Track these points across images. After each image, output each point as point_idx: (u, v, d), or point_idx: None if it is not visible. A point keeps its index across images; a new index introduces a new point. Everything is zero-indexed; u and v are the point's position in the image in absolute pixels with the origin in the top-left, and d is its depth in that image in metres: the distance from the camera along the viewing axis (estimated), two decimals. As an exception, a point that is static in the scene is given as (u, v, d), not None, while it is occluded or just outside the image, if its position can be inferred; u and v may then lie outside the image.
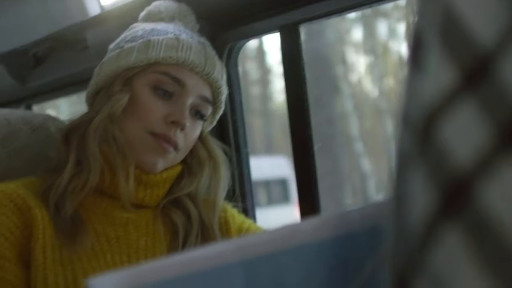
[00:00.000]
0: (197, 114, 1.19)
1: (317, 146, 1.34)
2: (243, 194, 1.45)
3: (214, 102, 1.21)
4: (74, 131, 1.18)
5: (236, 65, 1.48)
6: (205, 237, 1.20)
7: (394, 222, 0.39)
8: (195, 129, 1.19)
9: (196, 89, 1.18)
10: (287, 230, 0.49)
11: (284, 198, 8.83)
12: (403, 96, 0.43)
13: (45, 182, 1.15)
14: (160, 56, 1.17)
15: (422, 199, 0.35)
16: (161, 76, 1.17)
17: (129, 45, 1.20)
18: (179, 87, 1.16)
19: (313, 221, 0.50)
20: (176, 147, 1.16)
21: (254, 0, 1.34)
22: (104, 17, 1.72)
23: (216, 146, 1.26)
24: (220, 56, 1.44)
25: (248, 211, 1.42)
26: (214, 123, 1.27)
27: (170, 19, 1.27)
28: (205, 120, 1.21)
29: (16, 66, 2.10)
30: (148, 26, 1.24)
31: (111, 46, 1.25)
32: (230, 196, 1.34)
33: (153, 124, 1.14)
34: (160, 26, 1.23)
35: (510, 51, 0.33)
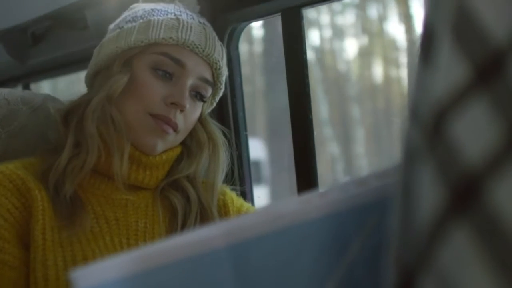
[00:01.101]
0: (197, 95, 1.19)
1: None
2: (242, 177, 1.45)
3: (214, 83, 1.21)
4: (73, 112, 1.17)
5: (237, 48, 1.48)
6: (204, 219, 1.20)
7: (401, 217, 0.39)
8: (195, 111, 1.19)
9: (196, 70, 1.17)
10: (273, 212, 0.49)
11: (258, 179, 9.06)
12: (413, 90, 0.42)
13: (44, 163, 1.15)
14: (160, 36, 1.16)
15: (431, 195, 0.35)
16: (161, 56, 1.16)
17: (129, 25, 1.19)
18: (179, 68, 1.16)
19: (297, 201, 0.50)
20: (175, 129, 1.15)
21: (256, -18, 1.33)
22: (104, -4, 1.70)
23: (215, 128, 1.25)
24: (221, 38, 1.43)
25: (246, 194, 1.42)
26: (214, 104, 1.27)
27: (171, 1, 1.26)
28: (205, 102, 1.21)
29: (14, 44, 2.08)
30: (148, 6, 1.23)
31: (111, 26, 1.25)
32: (229, 179, 1.34)
33: (152, 105, 1.14)
34: (160, 6, 1.22)
35: None
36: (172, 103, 1.14)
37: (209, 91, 1.20)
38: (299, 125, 1.35)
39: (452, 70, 0.35)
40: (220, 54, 1.21)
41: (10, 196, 1.09)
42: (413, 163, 0.38)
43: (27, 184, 1.10)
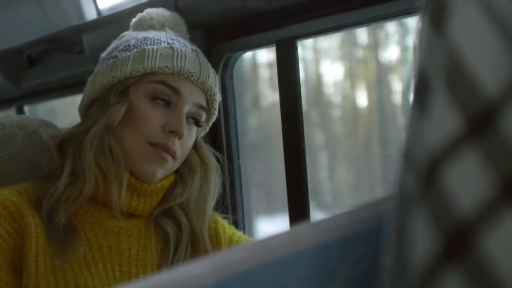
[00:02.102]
0: (193, 121, 1.20)
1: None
2: (234, 205, 1.46)
3: (208, 109, 1.23)
4: (69, 141, 1.18)
5: (231, 76, 1.49)
6: (195, 245, 1.21)
7: (394, 260, 0.40)
8: (191, 137, 1.20)
9: (192, 97, 1.19)
10: (261, 245, 0.50)
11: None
12: (407, 135, 0.44)
13: (38, 190, 1.15)
14: (156, 65, 1.17)
15: (424, 241, 0.36)
16: (157, 85, 1.17)
17: (123, 54, 1.20)
18: (175, 95, 1.18)
19: (285, 234, 0.51)
20: (174, 156, 1.17)
21: (252, 13, 1.35)
22: (101, 21, 1.72)
23: (209, 153, 1.27)
24: (217, 67, 1.45)
25: (238, 222, 1.43)
26: (207, 129, 1.28)
27: (161, 26, 1.28)
28: (200, 126, 1.23)
29: (10, 66, 2.10)
30: (139, 35, 1.24)
31: (103, 55, 1.26)
32: (221, 207, 1.35)
33: (151, 134, 1.15)
34: (152, 34, 1.23)
35: None
36: (170, 131, 1.16)
37: (203, 117, 1.22)
38: (292, 153, 1.37)
39: (445, 120, 0.37)
40: (213, 81, 1.23)
41: (3, 222, 1.09)
42: (407, 208, 0.40)
43: (20, 211, 1.11)
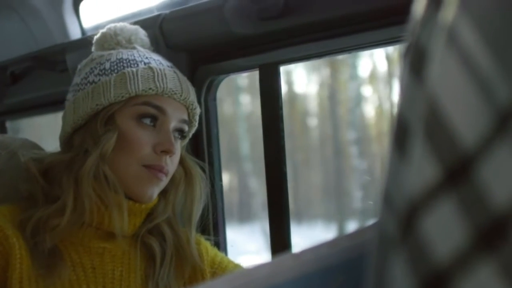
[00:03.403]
0: (178, 135, 1.23)
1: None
2: (216, 226, 1.47)
3: (190, 121, 1.26)
4: (56, 168, 1.18)
5: (214, 98, 1.51)
6: (181, 256, 1.23)
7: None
8: (178, 151, 1.23)
9: (176, 114, 1.21)
10: (243, 278, 0.51)
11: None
12: (386, 178, 0.45)
13: (22, 212, 1.16)
14: (140, 88, 1.19)
15: (401, 285, 0.37)
16: (142, 107, 1.19)
17: (102, 79, 1.20)
18: (160, 114, 1.20)
19: (266, 265, 0.52)
20: (167, 174, 1.19)
21: (236, 38, 1.36)
22: (85, 40, 1.73)
23: (192, 163, 1.29)
24: (200, 89, 1.46)
25: (220, 244, 1.44)
26: (187, 139, 1.29)
27: (127, 42, 1.28)
28: (184, 137, 1.26)
29: (-8, 82, 2.09)
30: (112, 56, 1.24)
31: (77, 80, 1.25)
32: (203, 230, 1.36)
33: (145, 157, 1.17)
34: (125, 55, 1.24)
35: (490, 156, 0.35)
36: (162, 151, 1.17)
37: (186, 129, 1.25)
38: (273, 177, 1.38)
39: (423, 168, 0.38)
40: (193, 95, 1.26)
41: None
42: (386, 250, 0.41)
43: (5, 232, 1.11)
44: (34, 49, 1.93)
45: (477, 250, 0.34)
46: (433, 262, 0.36)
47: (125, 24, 1.31)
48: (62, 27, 1.88)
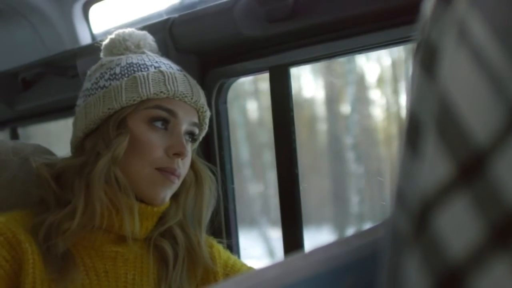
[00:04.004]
0: (189, 137, 1.23)
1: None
2: (228, 231, 1.47)
3: (200, 124, 1.26)
4: (68, 172, 1.19)
5: (225, 102, 1.51)
6: (193, 258, 1.23)
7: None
8: (189, 153, 1.23)
9: (187, 117, 1.22)
10: (253, 279, 0.51)
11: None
12: (399, 175, 0.45)
13: (34, 217, 1.16)
14: (151, 92, 1.19)
15: (416, 283, 0.37)
16: (154, 110, 1.19)
17: (113, 83, 1.21)
18: (171, 117, 1.20)
19: (277, 266, 0.52)
20: (179, 177, 1.20)
21: (246, 40, 1.36)
22: (95, 46, 1.73)
23: (202, 165, 1.29)
24: (210, 92, 1.46)
25: (233, 247, 1.44)
26: (197, 142, 1.29)
27: (136, 47, 1.29)
28: (195, 140, 1.26)
29: (4, 89, 2.11)
30: (121, 61, 1.24)
31: (87, 85, 1.26)
32: (216, 233, 1.36)
33: (158, 160, 1.18)
34: (135, 59, 1.24)
35: (504, 151, 0.35)
36: (174, 154, 1.18)
37: (196, 132, 1.25)
38: (285, 179, 1.38)
39: (436, 165, 0.38)
40: (203, 98, 1.26)
41: (0, 248, 1.10)
42: (399, 247, 0.41)
43: (17, 237, 1.11)
44: (45, 55, 1.94)
45: (492, 246, 0.34)
46: (448, 259, 0.35)
47: (133, 30, 1.32)
48: (72, 33, 1.89)
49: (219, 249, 1.30)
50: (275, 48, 1.36)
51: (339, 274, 0.53)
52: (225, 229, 1.45)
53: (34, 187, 1.22)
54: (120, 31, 1.31)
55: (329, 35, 1.25)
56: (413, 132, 0.43)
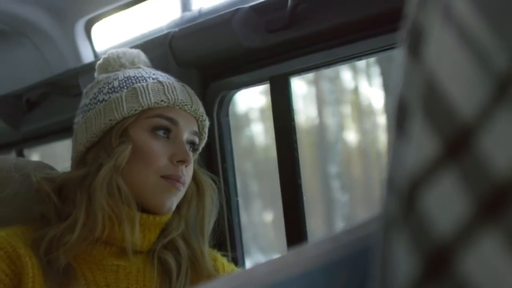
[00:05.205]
0: (191, 147, 1.23)
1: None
2: (233, 243, 1.45)
3: (200, 134, 1.26)
4: (70, 185, 1.18)
5: (227, 114, 1.50)
6: (196, 269, 1.23)
7: (378, 283, 0.40)
8: (192, 161, 1.23)
9: (187, 126, 1.23)
10: (245, 276, 0.50)
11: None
12: (388, 159, 0.44)
13: (36, 231, 1.16)
14: (152, 101, 1.20)
15: (405, 264, 0.36)
16: (155, 119, 1.20)
17: (113, 96, 1.21)
18: (173, 125, 1.21)
19: (269, 263, 0.51)
20: (184, 184, 1.20)
21: (246, 51, 1.36)
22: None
23: (204, 175, 1.29)
24: (212, 105, 1.46)
25: (237, 260, 1.43)
26: (198, 152, 1.29)
27: (131, 64, 1.29)
28: (196, 150, 1.26)
29: (9, 111, 2.11)
30: (119, 75, 1.25)
31: (85, 101, 1.25)
32: (220, 246, 1.35)
33: (163, 168, 1.18)
34: (132, 73, 1.25)
35: (490, 125, 0.34)
36: (178, 161, 1.18)
37: (197, 141, 1.26)
38: (288, 189, 1.37)
39: (423, 144, 0.37)
40: (202, 107, 1.27)
41: (0, 262, 1.09)
42: (390, 231, 0.40)
43: (17, 251, 1.11)
44: (48, 75, 1.95)
45: (479, 221, 0.33)
46: (436, 237, 0.34)
47: (127, 48, 1.34)
48: (75, 52, 1.90)
49: (223, 262, 1.29)
50: (275, 58, 1.36)
51: (332, 270, 0.52)
52: (229, 242, 1.43)
53: (35, 203, 1.21)
54: (113, 50, 1.33)
55: (329, 43, 1.25)
56: (400, 115, 0.42)
